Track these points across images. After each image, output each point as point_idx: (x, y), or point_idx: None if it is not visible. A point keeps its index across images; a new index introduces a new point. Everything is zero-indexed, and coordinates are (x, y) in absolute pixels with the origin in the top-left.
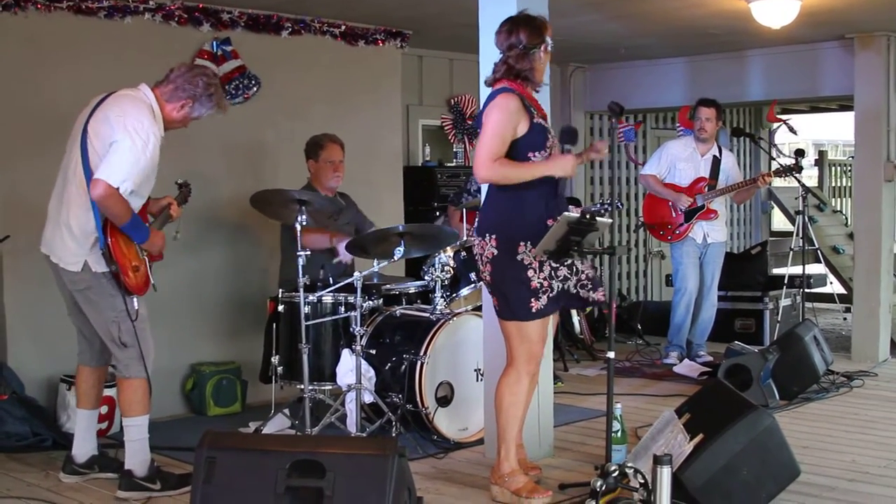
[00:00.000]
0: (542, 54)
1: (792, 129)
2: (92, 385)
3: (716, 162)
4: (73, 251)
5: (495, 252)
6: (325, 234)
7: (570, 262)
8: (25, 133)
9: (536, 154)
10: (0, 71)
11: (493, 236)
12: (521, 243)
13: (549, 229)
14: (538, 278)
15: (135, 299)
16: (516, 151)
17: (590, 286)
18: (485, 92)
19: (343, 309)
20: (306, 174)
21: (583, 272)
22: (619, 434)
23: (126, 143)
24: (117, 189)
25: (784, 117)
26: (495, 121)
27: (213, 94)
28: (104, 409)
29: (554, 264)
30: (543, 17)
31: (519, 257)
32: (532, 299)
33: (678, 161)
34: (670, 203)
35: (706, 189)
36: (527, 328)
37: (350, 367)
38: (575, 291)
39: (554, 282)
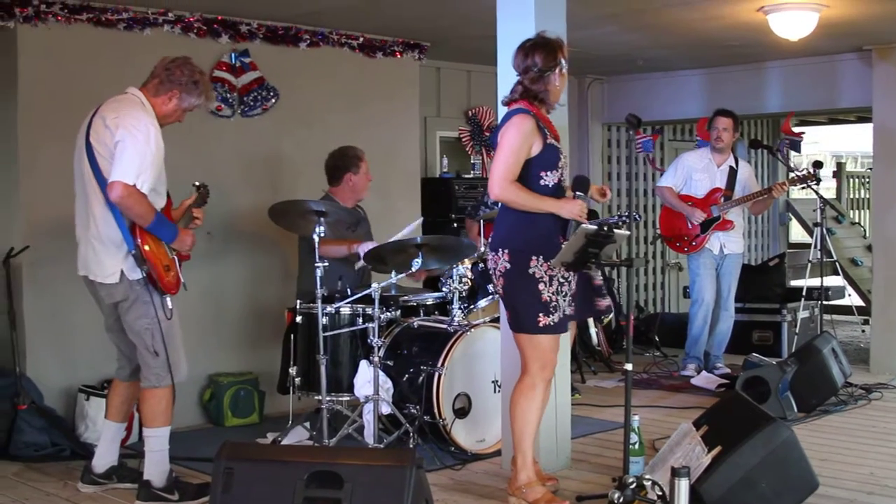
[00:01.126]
0: (556, 77)
1: (795, 147)
2: (124, 400)
3: (732, 172)
4: (109, 263)
5: (508, 266)
6: (342, 245)
7: (569, 276)
8: (47, 145)
9: (548, 173)
10: (21, 82)
11: (506, 251)
12: (533, 257)
13: (558, 245)
14: (548, 292)
15: (168, 299)
16: (529, 170)
17: (595, 296)
18: (502, 107)
19: (361, 320)
20: (324, 186)
21: (573, 286)
22: (636, 446)
23: (128, 140)
24: (135, 186)
25: (798, 130)
26: (511, 140)
27: (198, 81)
28: None
29: (561, 279)
30: (560, 40)
31: (531, 271)
32: (541, 314)
33: (694, 172)
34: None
35: (722, 200)
36: (538, 339)
37: (368, 379)
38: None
39: (560, 298)
